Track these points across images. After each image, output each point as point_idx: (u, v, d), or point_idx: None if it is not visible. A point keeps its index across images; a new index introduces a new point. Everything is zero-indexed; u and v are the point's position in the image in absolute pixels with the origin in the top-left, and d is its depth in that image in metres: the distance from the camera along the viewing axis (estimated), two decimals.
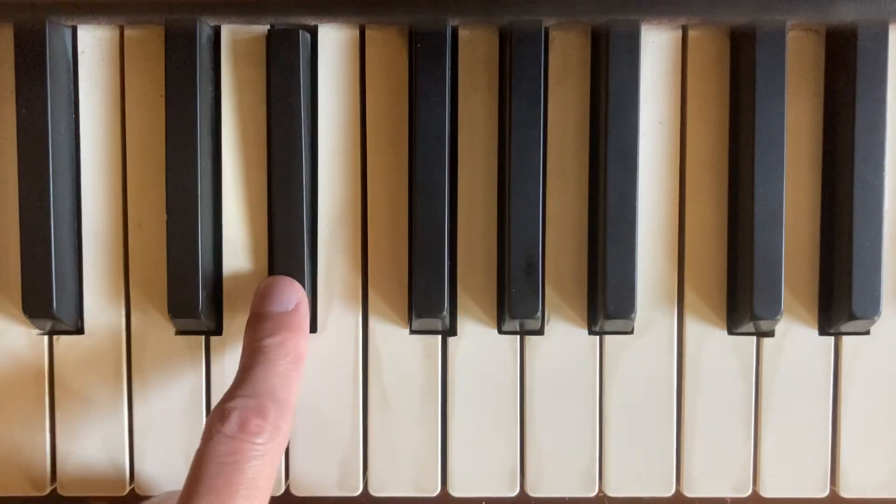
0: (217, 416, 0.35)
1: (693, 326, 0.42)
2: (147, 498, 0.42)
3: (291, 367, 0.38)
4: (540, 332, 0.42)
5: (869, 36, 0.40)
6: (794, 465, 0.42)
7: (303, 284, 0.40)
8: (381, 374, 0.42)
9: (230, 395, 0.36)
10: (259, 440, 0.35)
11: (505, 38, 0.41)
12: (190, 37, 0.40)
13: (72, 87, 0.42)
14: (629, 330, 0.42)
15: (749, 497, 0.43)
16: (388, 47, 0.41)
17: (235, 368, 0.42)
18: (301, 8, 0.40)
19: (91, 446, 0.42)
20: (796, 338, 0.42)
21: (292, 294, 0.39)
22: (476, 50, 0.41)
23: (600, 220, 0.41)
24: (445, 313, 0.40)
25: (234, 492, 0.34)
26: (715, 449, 0.42)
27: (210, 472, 0.34)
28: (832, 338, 0.42)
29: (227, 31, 0.41)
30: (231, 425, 0.35)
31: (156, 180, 0.41)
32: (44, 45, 0.40)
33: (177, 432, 0.42)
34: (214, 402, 0.42)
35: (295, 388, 0.38)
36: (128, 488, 0.43)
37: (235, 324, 0.42)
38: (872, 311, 0.40)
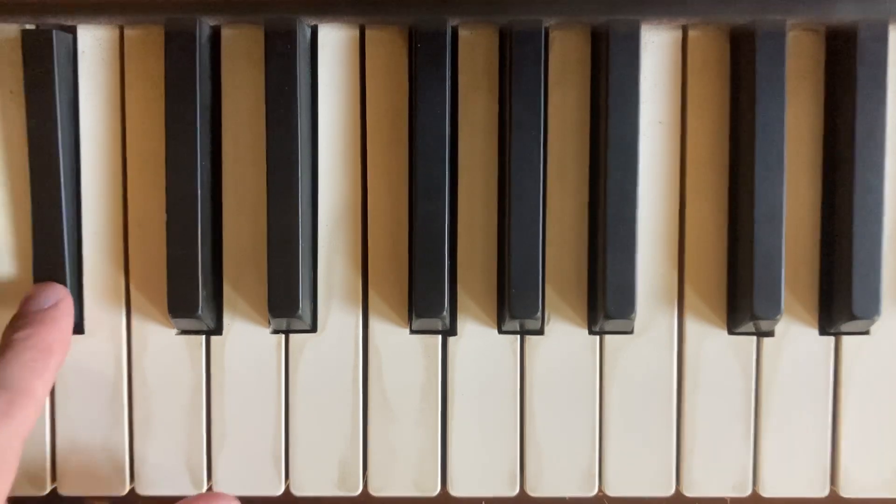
0: None
1: (693, 326, 0.42)
2: (147, 498, 0.42)
3: (37, 357, 0.38)
4: (540, 332, 0.42)
5: (869, 36, 0.40)
6: (794, 464, 0.42)
7: (302, 283, 0.40)
8: (381, 374, 0.42)
9: None
10: None
11: (505, 38, 0.41)
12: (190, 37, 0.40)
13: (72, 87, 0.42)
14: (629, 330, 0.42)
15: (749, 497, 0.43)
16: (388, 47, 0.41)
17: (236, 368, 0.42)
18: (301, 8, 0.40)
19: (91, 446, 0.42)
20: (796, 338, 0.42)
21: (50, 294, 0.41)
22: (476, 50, 0.41)
23: (600, 220, 0.41)
24: (445, 313, 0.40)
25: None
26: (715, 449, 0.42)
27: None
28: (832, 338, 0.42)
29: (226, 31, 0.41)
30: None
31: (156, 180, 0.41)
32: (51, 48, 0.40)
33: (177, 432, 0.42)
34: (215, 402, 0.42)
35: (42, 378, 0.38)
36: (128, 488, 0.43)
37: (235, 324, 0.42)
38: (872, 311, 0.40)
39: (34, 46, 0.40)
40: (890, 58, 0.40)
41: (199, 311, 0.40)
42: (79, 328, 0.42)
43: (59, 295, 0.41)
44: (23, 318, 0.40)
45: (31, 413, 0.37)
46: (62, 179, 0.41)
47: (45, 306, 0.40)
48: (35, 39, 0.40)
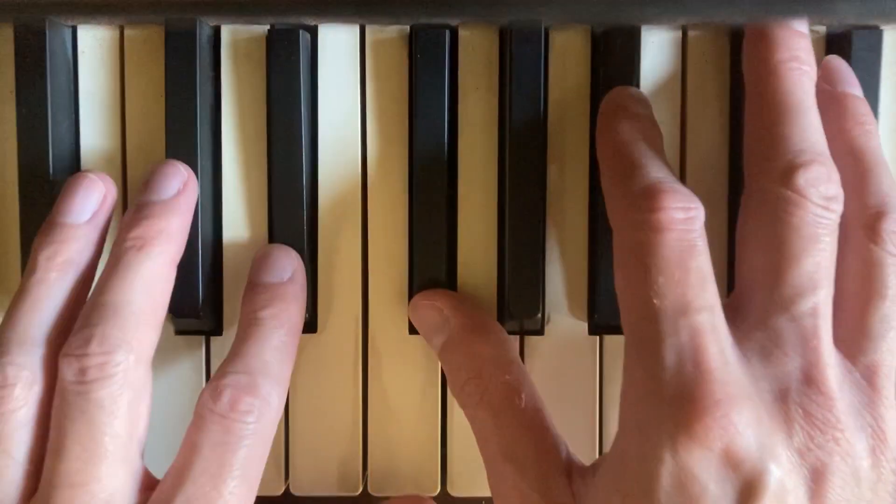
0: (209, 394, 0.35)
1: None
2: None
3: (286, 340, 0.37)
4: (540, 332, 0.42)
5: (863, 37, 0.40)
6: None
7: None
8: (381, 374, 0.42)
9: (223, 372, 0.35)
10: (250, 419, 0.34)
11: (505, 38, 0.41)
12: (190, 37, 0.40)
13: (72, 87, 0.42)
14: None
15: None
16: (388, 47, 0.41)
17: None
18: (301, 8, 0.40)
19: None
20: None
21: (287, 263, 0.38)
22: (476, 50, 0.41)
23: (600, 220, 0.41)
24: None
25: (228, 473, 0.33)
26: None
27: (202, 454, 0.34)
28: None
29: (227, 31, 0.41)
30: (223, 404, 0.34)
31: None
32: (43, 45, 0.40)
33: (177, 432, 0.42)
34: None
35: (290, 361, 0.37)
36: None
37: (235, 324, 0.42)
38: None
39: (27, 41, 0.40)
40: (884, 59, 0.40)
41: (200, 312, 0.40)
42: None
43: (295, 265, 0.38)
44: (264, 292, 0.37)
45: (283, 402, 0.36)
46: (51, 177, 0.40)
47: (284, 278, 0.38)
48: (28, 34, 0.40)
